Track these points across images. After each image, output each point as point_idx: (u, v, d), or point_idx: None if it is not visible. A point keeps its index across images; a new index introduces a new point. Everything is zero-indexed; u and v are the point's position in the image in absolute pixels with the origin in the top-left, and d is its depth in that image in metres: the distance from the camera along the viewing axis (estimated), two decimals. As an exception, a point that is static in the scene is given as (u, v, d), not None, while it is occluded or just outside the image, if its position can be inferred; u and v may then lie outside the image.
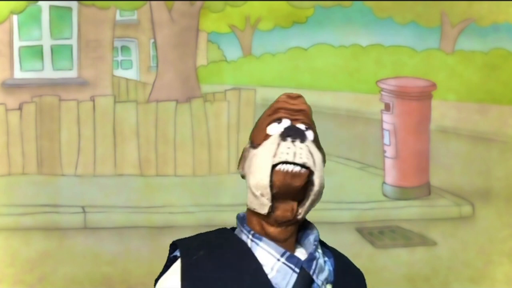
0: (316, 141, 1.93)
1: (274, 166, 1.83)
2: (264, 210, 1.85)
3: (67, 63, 4.87)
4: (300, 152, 1.83)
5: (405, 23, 4.94)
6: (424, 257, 4.84)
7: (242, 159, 1.95)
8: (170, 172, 4.85)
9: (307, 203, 1.86)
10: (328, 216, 4.59)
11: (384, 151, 4.93)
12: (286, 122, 1.90)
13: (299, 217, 1.86)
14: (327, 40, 4.93)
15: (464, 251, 4.84)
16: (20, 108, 4.77)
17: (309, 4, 4.90)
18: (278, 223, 1.85)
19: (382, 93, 4.93)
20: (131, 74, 5.00)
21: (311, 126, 1.92)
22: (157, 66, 4.92)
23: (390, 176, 4.93)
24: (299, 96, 1.96)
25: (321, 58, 4.92)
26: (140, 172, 4.82)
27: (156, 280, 1.90)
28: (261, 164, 1.85)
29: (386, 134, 4.92)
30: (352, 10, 4.90)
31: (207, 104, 4.88)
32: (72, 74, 4.88)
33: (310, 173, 1.84)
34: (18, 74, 4.81)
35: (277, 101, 1.95)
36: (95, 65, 4.86)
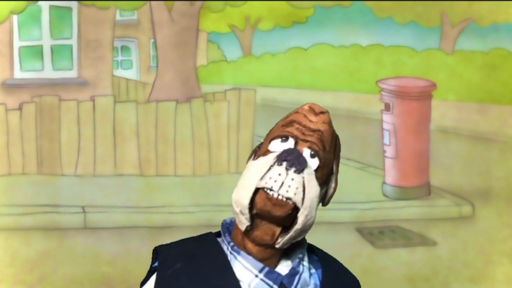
0: (323, 169, 1.75)
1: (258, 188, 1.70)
2: (242, 228, 1.75)
3: (67, 63, 4.87)
4: (289, 184, 1.67)
5: (405, 23, 4.94)
6: (424, 257, 4.84)
7: (250, 158, 1.85)
8: (170, 172, 4.85)
9: (287, 237, 1.73)
10: (328, 216, 4.59)
11: (384, 151, 4.93)
12: (290, 143, 1.74)
13: (277, 246, 1.74)
14: (327, 40, 4.93)
15: (464, 251, 4.84)
16: (20, 108, 4.77)
17: (309, 4, 4.90)
18: (256, 243, 1.75)
19: (382, 93, 4.93)
20: (131, 74, 5.00)
21: (318, 152, 1.73)
22: (157, 66, 4.92)
23: (390, 176, 4.93)
24: (323, 112, 1.79)
25: (321, 58, 4.92)
26: (140, 172, 4.82)
27: (141, 284, 1.87)
28: (246, 182, 1.73)
29: (386, 134, 4.92)
30: (352, 10, 4.90)
31: (207, 104, 4.88)
32: (72, 74, 4.87)
33: (296, 208, 1.70)
34: (18, 74, 4.81)
35: (297, 111, 1.79)
36: (95, 65, 4.86)
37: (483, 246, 4.85)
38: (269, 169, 1.70)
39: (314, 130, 1.75)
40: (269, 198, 1.69)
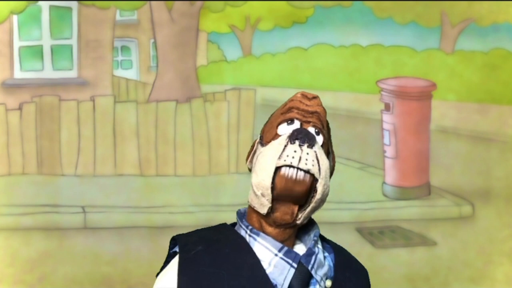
0: (326, 145, 1.89)
1: (278, 168, 1.80)
2: (264, 210, 1.83)
3: (67, 63, 4.87)
4: (306, 158, 1.79)
5: (405, 23, 4.94)
6: (424, 257, 4.84)
7: (251, 153, 1.93)
8: (170, 172, 4.85)
9: (308, 209, 1.83)
10: (328, 216, 4.59)
11: (384, 151, 4.93)
12: (297, 124, 1.87)
13: (298, 222, 1.84)
14: (327, 40, 4.93)
15: (464, 251, 4.84)
16: (20, 108, 4.77)
17: (309, 4, 4.90)
18: (277, 225, 1.84)
19: (382, 93, 4.93)
20: (131, 74, 5.00)
21: (322, 130, 1.88)
22: (157, 66, 4.92)
23: (390, 176, 4.93)
24: (314, 97, 1.92)
25: (321, 58, 4.92)
26: (140, 172, 4.82)
27: (157, 275, 1.90)
28: (265, 164, 1.82)
29: (386, 134, 4.92)
30: (352, 10, 4.90)
31: (207, 104, 4.88)
32: (72, 74, 4.87)
33: (314, 180, 1.81)
34: (18, 74, 4.81)
35: (291, 100, 1.92)
36: (95, 65, 4.86)
37: (483, 246, 4.85)
38: (284, 148, 1.81)
39: (312, 112, 1.88)
40: (290, 178, 1.79)
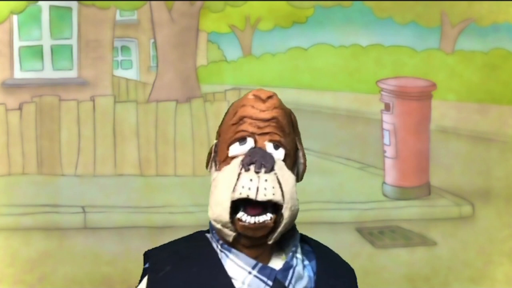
0: (290, 153, 1.69)
1: (235, 202, 1.66)
2: (230, 239, 1.71)
3: (67, 63, 4.87)
4: (265, 187, 1.60)
5: (405, 23, 4.94)
6: (424, 257, 4.84)
7: (210, 158, 1.79)
8: (170, 172, 4.85)
9: (277, 232, 1.69)
10: (328, 216, 4.58)
11: (384, 151, 4.92)
12: (250, 143, 1.66)
13: (270, 242, 1.71)
14: (327, 40, 4.93)
15: (464, 251, 4.84)
16: (20, 108, 4.77)
17: (309, 4, 4.90)
18: (247, 246, 1.72)
19: (382, 93, 4.93)
20: (131, 74, 5.00)
21: (281, 141, 1.66)
22: (157, 66, 4.92)
23: (390, 176, 4.93)
24: (270, 97, 1.69)
25: (321, 58, 4.91)
26: (140, 172, 4.82)
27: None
28: (219, 199, 1.69)
29: (386, 134, 4.92)
30: (352, 10, 4.89)
31: (207, 104, 4.88)
32: (72, 74, 4.87)
33: (278, 206, 1.65)
34: (18, 74, 4.80)
35: (243, 104, 1.69)
36: (95, 65, 4.86)
37: (483, 246, 4.85)
38: (238, 177, 1.63)
39: (268, 120, 1.67)
40: (249, 227, 1.65)
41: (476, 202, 4.89)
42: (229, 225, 1.68)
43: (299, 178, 1.78)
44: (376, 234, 4.86)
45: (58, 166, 4.78)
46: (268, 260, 1.75)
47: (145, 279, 1.80)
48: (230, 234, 1.70)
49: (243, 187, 1.62)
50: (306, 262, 1.79)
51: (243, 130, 1.66)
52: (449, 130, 4.95)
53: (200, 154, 4.85)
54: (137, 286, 1.86)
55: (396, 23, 4.94)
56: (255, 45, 4.96)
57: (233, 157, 1.67)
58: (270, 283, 1.69)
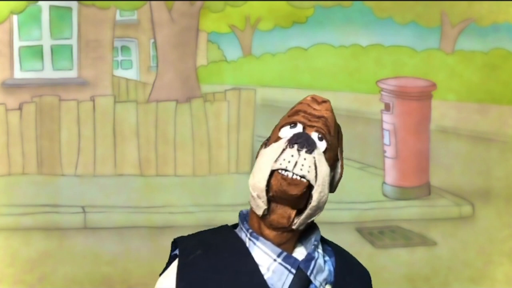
0: (332, 152, 1.86)
1: (274, 170, 1.79)
2: (259, 212, 1.82)
3: (67, 63, 4.87)
4: (302, 163, 1.78)
5: (405, 23, 4.94)
6: (424, 257, 4.84)
7: (261, 148, 1.92)
8: (170, 172, 4.85)
9: (303, 216, 1.82)
10: (328, 216, 4.56)
11: (384, 151, 4.93)
12: (299, 128, 1.84)
13: (294, 227, 1.82)
14: (327, 40, 4.93)
15: (464, 251, 4.84)
16: (20, 108, 4.77)
17: (309, 4, 4.90)
18: (273, 227, 1.83)
19: (382, 93, 4.93)
20: (131, 74, 5.00)
21: (326, 135, 1.84)
22: (157, 66, 4.92)
23: (390, 176, 4.93)
24: (325, 101, 1.88)
25: (321, 58, 4.92)
26: (140, 172, 4.82)
27: (160, 275, 1.90)
28: (261, 166, 1.81)
29: (386, 134, 4.92)
30: (352, 10, 4.90)
31: (207, 104, 4.88)
32: (72, 74, 4.87)
33: (310, 186, 1.79)
34: (18, 74, 4.81)
35: (301, 102, 1.89)
36: (95, 65, 4.86)
37: (483, 246, 4.85)
38: (282, 152, 1.79)
39: (319, 117, 1.85)
40: (284, 178, 1.78)
41: (476, 202, 4.89)
42: (264, 194, 1.80)
43: (333, 186, 1.93)
44: (376, 234, 4.86)
45: (58, 166, 4.78)
46: (292, 251, 1.86)
47: (175, 263, 1.86)
48: (262, 206, 1.81)
49: (284, 159, 1.78)
50: (327, 258, 1.91)
51: (295, 119, 1.85)
52: (449, 130, 4.95)
53: (200, 154, 4.86)
54: (164, 271, 1.90)
55: (396, 23, 4.94)
56: (255, 45, 4.96)
57: (282, 138, 1.84)
58: (293, 271, 1.81)
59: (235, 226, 1.94)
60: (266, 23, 4.95)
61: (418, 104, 4.96)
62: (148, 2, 4.84)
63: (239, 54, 4.96)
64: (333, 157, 1.88)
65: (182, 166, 4.86)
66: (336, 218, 4.72)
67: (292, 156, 1.78)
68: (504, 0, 4.89)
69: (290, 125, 1.85)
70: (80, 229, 4.73)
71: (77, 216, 4.73)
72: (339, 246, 1.99)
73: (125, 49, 5.01)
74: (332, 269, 1.90)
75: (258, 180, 1.80)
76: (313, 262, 1.83)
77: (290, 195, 1.79)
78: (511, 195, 4.88)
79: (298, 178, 1.78)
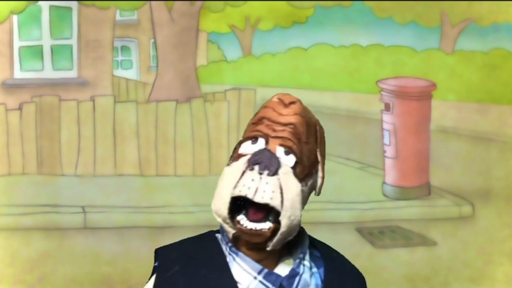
0: (302, 164, 1.67)
1: (234, 199, 1.65)
2: (230, 235, 1.72)
3: (67, 63, 4.87)
4: (264, 189, 1.60)
5: (405, 23, 4.94)
6: (424, 257, 4.84)
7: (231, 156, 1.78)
8: (170, 172, 4.85)
9: (275, 240, 1.67)
10: (328, 216, 4.58)
11: (384, 151, 4.93)
12: (260, 144, 1.66)
13: (269, 249, 1.69)
14: (327, 40, 4.93)
15: (464, 251, 4.84)
16: (20, 108, 4.77)
17: (309, 4, 4.90)
18: (249, 246, 1.71)
19: (382, 93, 4.93)
20: (131, 74, 5.00)
21: (293, 148, 1.65)
22: (157, 66, 4.92)
23: (390, 176, 4.93)
24: (293, 102, 1.69)
25: (321, 58, 4.92)
26: (140, 172, 4.82)
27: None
28: (221, 192, 1.68)
29: (386, 134, 4.92)
30: (352, 10, 4.89)
31: (207, 104, 4.88)
32: (72, 74, 4.87)
33: (276, 213, 1.63)
34: (18, 74, 4.81)
35: (265, 106, 1.71)
36: (95, 65, 4.86)
37: (483, 246, 4.85)
38: (242, 175, 1.64)
39: (285, 124, 1.66)
40: (244, 232, 1.66)
41: (476, 202, 4.89)
42: (228, 221, 1.68)
43: (316, 191, 1.78)
44: (376, 234, 4.86)
45: (58, 166, 4.78)
46: (275, 265, 1.74)
47: (153, 278, 1.78)
48: (230, 230, 1.70)
49: (244, 185, 1.62)
50: (314, 270, 1.77)
51: (257, 130, 1.67)
52: (449, 130, 4.95)
53: (200, 154, 4.86)
54: (147, 282, 1.82)
55: (396, 23, 4.94)
56: (255, 45, 4.96)
57: (243, 155, 1.67)
58: None
59: (220, 231, 1.83)
60: (266, 23, 4.95)
61: (418, 104, 4.96)
62: (148, 2, 4.84)
63: (239, 54, 4.96)
64: (309, 166, 1.70)
65: (182, 166, 4.86)
66: (336, 218, 4.72)
67: (253, 180, 1.61)
68: (504, 0, 4.89)
69: (251, 140, 1.68)
70: (80, 229, 4.72)
71: (77, 216, 4.73)
72: (329, 249, 1.84)
73: (125, 49, 5.01)
74: (320, 282, 1.76)
75: (220, 207, 1.69)
76: (297, 279, 1.70)
77: (254, 243, 1.68)
78: (511, 195, 4.87)
79: (260, 227, 1.63)
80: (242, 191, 1.62)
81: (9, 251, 4.68)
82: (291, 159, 1.65)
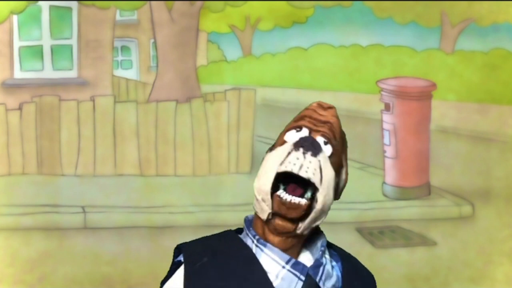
0: (337, 157, 1.85)
1: (278, 175, 1.77)
2: (264, 216, 1.81)
3: (67, 63, 4.87)
4: (308, 166, 1.77)
5: (405, 23, 4.94)
6: (424, 257, 4.84)
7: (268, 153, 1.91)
8: (170, 172, 4.85)
9: (308, 220, 1.80)
10: (328, 216, 4.58)
11: (384, 151, 4.93)
12: (304, 132, 1.84)
13: (299, 231, 1.80)
14: (327, 40, 4.93)
15: (464, 251, 4.84)
16: (20, 108, 4.77)
17: (309, 4, 4.90)
18: (278, 232, 1.81)
19: (382, 93, 4.93)
20: (131, 74, 5.00)
21: (331, 140, 1.84)
22: (157, 66, 4.92)
23: (390, 176, 4.93)
24: (330, 107, 1.89)
25: (321, 58, 4.92)
26: (140, 172, 4.82)
27: (162, 283, 1.87)
28: (267, 169, 1.80)
29: (386, 134, 4.92)
30: (352, 10, 4.90)
31: (207, 104, 4.88)
32: (72, 74, 4.88)
33: (315, 189, 1.78)
34: (18, 74, 4.81)
35: (307, 108, 1.89)
36: (95, 65, 4.86)
37: (483, 246, 4.85)
38: (288, 155, 1.79)
39: (324, 122, 1.85)
40: (283, 203, 1.77)
41: (476, 202, 4.89)
42: (268, 197, 1.78)
43: (338, 193, 1.94)
44: (376, 234, 4.86)
45: (58, 166, 4.78)
46: (297, 256, 1.84)
47: (180, 270, 1.83)
48: (266, 210, 1.79)
49: (290, 162, 1.77)
50: (334, 263, 1.91)
51: (301, 123, 1.86)
52: (449, 130, 4.96)
53: (200, 154, 4.86)
54: (167, 277, 1.86)
55: (396, 23, 4.94)
56: (255, 45, 4.96)
57: (287, 142, 1.84)
58: (302, 278, 1.79)
59: (237, 231, 1.92)
60: (266, 23, 4.95)
61: (418, 104, 4.96)
62: (148, 2, 4.84)
63: (239, 54, 4.96)
64: (338, 163, 1.87)
65: (182, 166, 4.86)
66: (336, 218, 4.72)
67: (298, 159, 1.77)
68: (504, 0, 4.89)
69: (296, 129, 1.85)
70: (80, 229, 4.73)
71: (77, 216, 4.73)
72: (344, 251, 1.99)
73: (125, 49, 5.01)
74: (340, 274, 1.90)
75: (264, 183, 1.79)
76: (321, 268, 1.82)
77: (290, 217, 1.78)
78: (511, 195, 4.88)
79: (297, 201, 1.77)
80: (288, 167, 1.77)
81: (9, 251, 4.68)
82: (328, 149, 1.83)
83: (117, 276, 4.71)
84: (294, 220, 1.79)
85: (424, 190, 4.94)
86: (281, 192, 1.78)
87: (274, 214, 1.80)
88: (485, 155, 4.91)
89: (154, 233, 4.71)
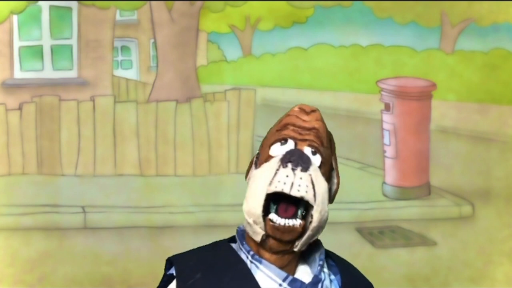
0: (326, 165, 1.76)
1: (268, 197, 1.68)
2: (257, 238, 1.73)
3: (67, 63, 4.87)
4: (299, 183, 1.67)
5: (405, 23, 4.94)
6: (424, 257, 4.84)
7: (249, 170, 1.82)
8: (170, 172, 4.85)
9: (304, 237, 1.72)
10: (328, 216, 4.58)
11: (384, 151, 4.93)
12: (290, 144, 1.73)
13: (296, 249, 1.73)
14: (327, 40, 4.93)
15: (464, 251, 4.84)
16: (20, 108, 4.77)
17: (309, 4, 4.90)
18: (273, 251, 1.73)
19: (382, 93, 4.93)
20: (131, 74, 5.00)
21: (319, 148, 1.74)
22: (157, 66, 4.92)
23: (390, 176, 4.93)
24: (313, 111, 1.77)
25: (321, 58, 4.92)
26: (140, 172, 4.82)
27: None
28: (255, 191, 1.71)
29: (386, 134, 4.92)
30: (352, 10, 4.90)
31: (207, 104, 4.88)
32: (72, 74, 4.87)
33: (309, 206, 1.70)
34: (18, 74, 4.81)
35: (288, 114, 1.78)
36: (95, 65, 4.86)
37: (483, 246, 4.85)
38: (275, 173, 1.69)
39: (309, 129, 1.74)
40: (277, 228, 1.69)
41: (476, 202, 4.89)
42: (260, 220, 1.70)
43: (331, 198, 1.83)
44: (376, 234, 4.86)
45: (58, 166, 4.78)
46: (294, 272, 1.77)
47: (171, 286, 1.76)
48: (259, 232, 1.71)
49: (279, 181, 1.67)
50: (332, 277, 1.82)
51: (285, 134, 1.75)
52: (449, 130, 4.95)
53: (200, 154, 4.86)
54: None
55: (396, 23, 4.94)
56: (255, 45, 4.96)
57: (273, 157, 1.73)
58: None
59: (231, 239, 1.84)
60: (266, 23, 4.95)
61: (418, 104, 4.96)
62: (148, 2, 4.84)
63: (239, 54, 4.96)
64: (328, 170, 1.78)
65: (182, 166, 4.86)
66: (336, 218, 4.71)
67: (287, 176, 1.67)
68: (504, 0, 4.89)
69: (280, 142, 1.74)
70: (80, 229, 4.73)
71: (77, 216, 4.73)
72: (342, 259, 1.90)
73: (125, 49, 5.01)
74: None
75: (253, 206, 1.70)
76: (319, 285, 1.75)
77: (285, 241, 1.71)
78: (511, 195, 4.88)
79: (291, 223, 1.68)
80: (278, 186, 1.67)
81: (9, 251, 4.68)
82: (317, 159, 1.73)
83: (117, 276, 4.71)
84: (290, 240, 1.72)
85: (424, 190, 4.94)
86: (273, 216, 1.69)
87: (268, 236, 1.72)
88: (485, 155, 4.91)
89: (154, 233, 4.71)
